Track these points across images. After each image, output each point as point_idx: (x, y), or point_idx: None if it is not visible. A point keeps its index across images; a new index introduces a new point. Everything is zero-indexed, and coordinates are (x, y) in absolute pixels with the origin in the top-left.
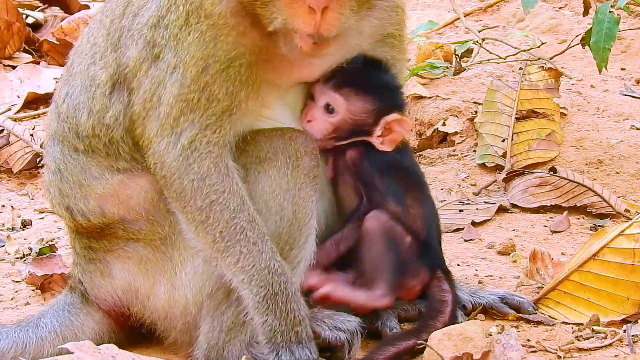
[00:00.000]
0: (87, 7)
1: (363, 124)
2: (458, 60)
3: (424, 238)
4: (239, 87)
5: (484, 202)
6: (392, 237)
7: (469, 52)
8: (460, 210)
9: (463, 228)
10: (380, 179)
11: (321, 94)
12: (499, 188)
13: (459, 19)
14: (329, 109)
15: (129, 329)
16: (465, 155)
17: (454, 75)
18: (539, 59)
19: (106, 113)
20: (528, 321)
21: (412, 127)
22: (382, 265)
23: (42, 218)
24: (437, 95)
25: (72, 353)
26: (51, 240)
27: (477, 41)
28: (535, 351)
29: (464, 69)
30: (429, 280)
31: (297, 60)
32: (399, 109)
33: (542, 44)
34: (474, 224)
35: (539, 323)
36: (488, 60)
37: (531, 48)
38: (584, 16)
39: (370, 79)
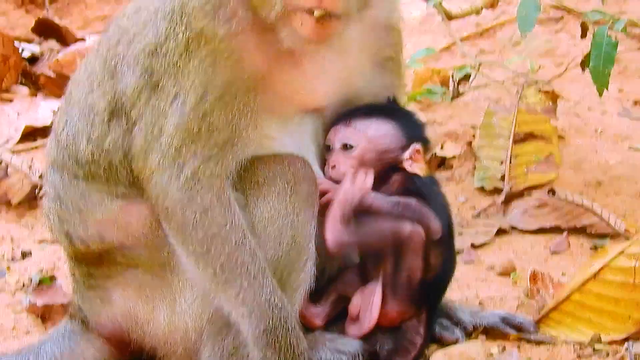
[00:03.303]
0: (83, 39)
1: (387, 149)
2: (455, 85)
3: (436, 276)
4: (238, 116)
5: (483, 224)
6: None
7: (466, 76)
8: (460, 233)
9: (462, 250)
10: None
11: (334, 136)
12: (498, 210)
13: (455, 44)
14: (347, 147)
15: (130, 355)
16: (464, 179)
17: (452, 100)
18: (537, 82)
19: (105, 139)
20: (529, 341)
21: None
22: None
23: (42, 249)
24: (435, 120)
25: None
26: (51, 270)
27: (474, 65)
28: None
29: (462, 94)
30: (409, 316)
31: (300, 80)
32: (423, 141)
33: (539, 68)
34: (473, 246)
35: (540, 343)
36: (485, 84)
37: (529, 72)
38: (581, 39)
39: (376, 105)
